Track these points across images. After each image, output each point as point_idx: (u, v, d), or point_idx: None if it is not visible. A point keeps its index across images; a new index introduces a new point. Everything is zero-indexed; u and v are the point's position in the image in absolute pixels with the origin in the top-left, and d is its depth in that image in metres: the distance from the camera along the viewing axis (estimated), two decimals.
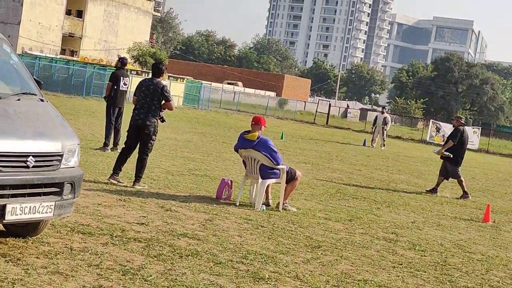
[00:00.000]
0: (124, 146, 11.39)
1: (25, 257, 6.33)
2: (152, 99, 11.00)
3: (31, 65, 40.77)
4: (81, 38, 63.12)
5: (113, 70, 16.40)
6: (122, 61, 16.01)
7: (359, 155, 26.13)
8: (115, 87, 15.59)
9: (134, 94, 11.33)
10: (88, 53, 60.36)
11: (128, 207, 9.32)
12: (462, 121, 16.65)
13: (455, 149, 16.17)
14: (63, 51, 61.65)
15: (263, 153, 10.44)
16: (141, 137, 11.06)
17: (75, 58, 54.63)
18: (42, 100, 7.04)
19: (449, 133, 17.14)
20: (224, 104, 57.85)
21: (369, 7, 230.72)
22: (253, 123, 10.67)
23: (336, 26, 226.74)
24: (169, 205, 9.80)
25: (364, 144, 32.92)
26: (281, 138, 28.54)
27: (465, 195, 16.03)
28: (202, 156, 17.28)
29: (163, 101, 11.13)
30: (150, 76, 11.69)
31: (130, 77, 40.72)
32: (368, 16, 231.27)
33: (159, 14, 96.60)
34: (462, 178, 16.28)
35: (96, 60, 51.72)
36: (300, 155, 21.93)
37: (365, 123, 56.66)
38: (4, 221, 6.13)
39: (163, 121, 11.31)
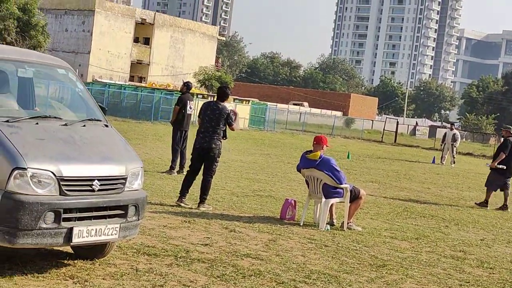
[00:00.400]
0: (189, 169, 11.57)
1: (92, 278, 6.50)
2: (218, 123, 11.17)
3: (101, 92, 41.86)
4: (148, 64, 64.47)
5: (180, 95, 16.68)
6: (187, 85, 16.30)
7: (428, 173, 25.74)
8: (182, 111, 15.85)
9: (199, 116, 11.49)
10: (155, 79, 61.57)
11: (193, 228, 9.44)
12: (511, 132, 16.35)
13: (506, 160, 15.95)
14: (131, 78, 63.09)
15: (326, 172, 10.43)
16: (205, 160, 11.22)
17: (143, 84, 55.81)
18: (106, 126, 7.26)
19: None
20: (290, 125, 57.91)
21: (436, 23, 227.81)
22: (314, 142, 10.69)
23: (402, 43, 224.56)
24: (233, 226, 9.89)
25: (433, 162, 32.40)
26: (348, 157, 28.37)
27: (504, 207, 15.84)
28: (267, 177, 17.35)
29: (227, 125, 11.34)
30: (215, 99, 11.81)
31: (196, 101, 41.40)
32: (435, 32, 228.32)
33: (224, 38, 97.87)
34: (509, 190, 16.04)
35: (163, 86, 52.69)
36: (367, 174, 21.75)
37: (434, 140, 55.76)
38: (71, 244, 6.33)
39: (224, 138, 11.47)
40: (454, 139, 31.85)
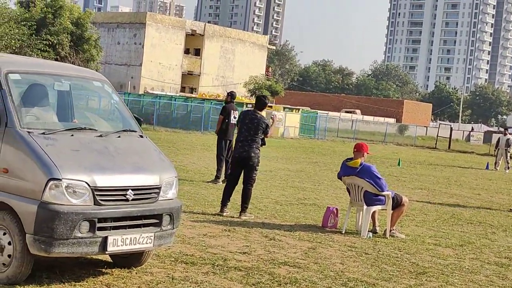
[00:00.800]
0: (228, 178, 11.63)
1: (128, 286, 6.61)
2: (256, 132, 11.27)
3: (152, 104, 42.40)
4: (199, 75, 65.08)
5: (224, 104, 16.78)
6: (231, 95, 16.41)
7: (480, 179, 25.30)
8: (226, 120, 15.93)
9: (237, 125, 11.55)
10: (206, 89, 62.09)
11: (233, 237, 9.49)
12: None
13: None
14: (183, 89, 63.79)
15: (367, 180, 10.36)
16: (245, 169, 11.30)
17: (193, 95, 56.33)
18: (141, 136, 7.37)
19: None
20: (342, 132, 57.60)
21: (491, 26, 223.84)
22: (355, 150, 10.64)
23: (457, 48, 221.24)
24: (273, 234, 9.90)
25: (487, 168, 31.83)
26: (398, 164, 28.09)
27: None
28: (313, 185, 17.31)
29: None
30: (253, 108, 11.89)
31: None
32: (490, 36, 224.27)
33: (274, 47, 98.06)
34: None
35: (213, 96, 53.08)
36: (416, 181, 21.50)
37: (489, 146, 54.71)
38: (106, 252, 6.44)
39: (263, 145, 11.58)
40: (508, 144, 31.30)
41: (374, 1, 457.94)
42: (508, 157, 31.57)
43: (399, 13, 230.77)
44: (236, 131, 12.50)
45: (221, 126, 16.02)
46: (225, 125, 15.97)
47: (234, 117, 15.97)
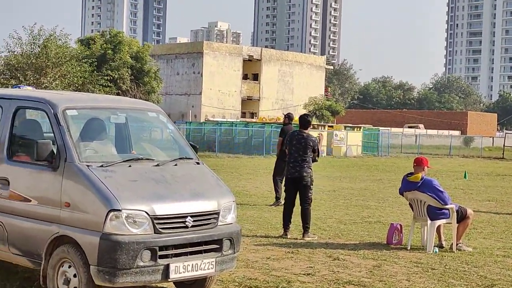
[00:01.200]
0: (284, 200, 11.70)
1: None
2: (305, 152, 11.33)
3: (214, 131, 42.80)
4: (259, 100, 65.46)
5: (282, 126, 16.79)
6: (288, 117, 16.40)
7: None
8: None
9: (285, 147, 11.71)
10: (266, 113, 62.36)
11: (296, 258, 9.46)
12: None
13: None
14: (243, 114, 64.24)
15: (429, 194, 10.21)
16: (299, 189, 11.35)
17: (254, 120, 56.65)
18: (198, 163, 7.47)
19: None
20: (406, 148, 56.85)
21: None
22: (415, 164, 10.51)
23: None
24: (337, 253, 9.83)
25: None
26: (464, 177, 27.55)
27: None
28: (377, 203, 17.13)
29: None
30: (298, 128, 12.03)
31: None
32: None
33: (332, 67, 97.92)
34: None
35: (273, 119, 53.26)
36: (484, 193, 21.04)
37: None
38: (169, 280, 6.53)
39: (315, 161, 11.64)
40: None
41: (431, 14, 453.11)
42: None
43: (457, 24, 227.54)
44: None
45: (281, 147, 16.01)
46: (284, 146, 15.95)
47: None
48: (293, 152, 11.41)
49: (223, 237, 6.89)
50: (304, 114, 12.14)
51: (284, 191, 11.65)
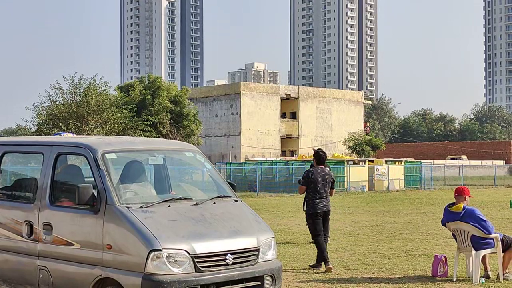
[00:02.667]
0: (320, 233, 11.80)
1: None
2: (329, 186, 12.13)
3: (254, 171, 42.88)
4: (298, 137, 65.58)
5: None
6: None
7: None
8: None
9: (308, 184, 11.90)
10: (306, 151, 62.33)
11: None
12: None
13: None
14: (283, 153, 64.35)
15: (472, 223, 10.07)
16: (325, 222, 12.19)
17: (294, 158, 56.66)
18: (236, 201, 7.52)
19: None
20: (449, 180, 56.16)
21: None
22: (456, 194, 10.40)
23: None
24: None
25: None
26: (510, 207, 27.06)
27: None
28: (422, 236, 16.92)
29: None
30: (315, 164, 12.41)
31: (348, 167, 41.21)
32: None
33: (369, 102, 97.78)
34: None
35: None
36: None
37: None
38: None
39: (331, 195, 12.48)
40: None
41: (468, 44, 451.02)
42: None
43: (495, 54, 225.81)
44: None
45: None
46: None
47: None
48: (320, 189, 11.89)
49: (264, 273, 6.90)
50: (318, 150, 12.55)
51: (316, 224, 11.85)
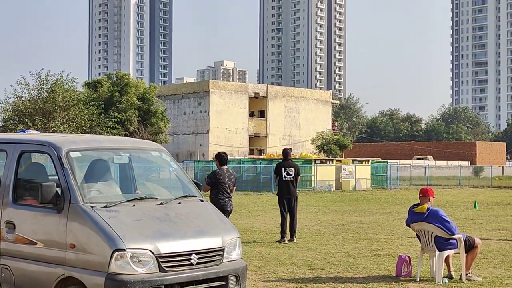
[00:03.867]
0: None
1: None
2: (232, 186, 13.42)
3: None
4: (266, 136, 65.66)
5: (278, 163, 16.73)
6: (283, 153, 16.38)
7: None
8: (278, 178, 15.86)
9: (210, 184, 12.96)
10: (274, 150, 62.46)
11: None
12: None
13: None
14: (251, 151, 64.39)
15: (436, 224, 10.18)
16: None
17: (261, 156, 56.74)
18: (201, 201, 7.51)
19: None
20: (415, 180, 56.70)
21: None
22: (420, 195, 10.50)
23: None
24: (346, 287, 9.78)
25: None
26: (474, 207, 27.42)
27: None
28: (387, 236, 17.06)
29: None
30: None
31: (315, 166, 41.33)
32: None
33: (338, 102, 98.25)
34: None
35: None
36: (494, 222, 20.93)
37: None
38: None
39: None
40: None
41: (435, 45, 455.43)
42: None
43: (462, 55, 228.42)
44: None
45: (278, 184, 16.05)
46: (278, 182, 15.96)
47: (288, 174, 15.86)
48: (227, 188, 13.05)
49: (228, 273, 6.90)
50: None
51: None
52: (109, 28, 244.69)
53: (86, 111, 39.57)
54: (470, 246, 10.40)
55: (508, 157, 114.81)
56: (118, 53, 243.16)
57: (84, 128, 38.65)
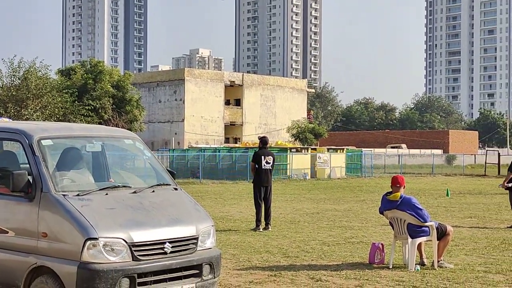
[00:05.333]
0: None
1: None
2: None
3: (197, 158, 42.78)
4: (242, 125, 65.61)
5: (255, 150, 16.72)
6: (262, 141, 16.34)
7: None
8: (257, 166, 15.84)
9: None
10: (250, 138, 62.47)
11: (279, 281, 9.46)
12: None
13: None
14: (227, 140, 64.33)
15: (408, 212, 10.27)
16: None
17: (237, 145, 56.73)
18: (176, 189, 7.48)
19: None
20: (389, 168, 57.08)
21: None
22: (393, 183, 10.56)
23: (498, 73, 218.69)
24: (320, 275, 9.84)
25: None
26: (447, 195, 27.68)
27: None
28: (361, 224, 17.17)
29: None
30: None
31: (291, 155, 41.41)
32: None
33: (313, 90, 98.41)
34: None
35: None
36: (466, 210, 21.16)
37: None
38: None
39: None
40: None
41: (410, 35, 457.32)
42: None
43: (436, 44, 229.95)
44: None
45: (255, 172, 15.97)
46: (257, 171, 15.90)
47: (267, 162, 15.87)
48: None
49: (202, 262, 6.89)
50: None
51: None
52: (83, 15, 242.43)
53: (59, 99, 39.22)
54: (442, 234, 10.50)
55: (480, 146, 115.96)
56: (92, 40, 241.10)
57: (58, 116, 38.32)
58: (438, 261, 10.40)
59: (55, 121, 36.28)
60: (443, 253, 10.61)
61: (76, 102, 41.93)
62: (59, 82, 43.09)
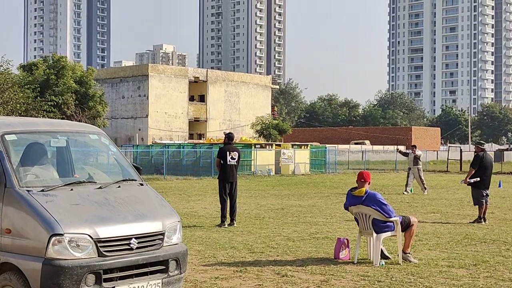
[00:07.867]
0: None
1: None
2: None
3: (161, 154, 42.57)
4: (206, 121, 65.47)
5: (221, 146, 16.74)
6: (228, 136, 16.35)
7: (493, 197, 25.05)
8: (222, 162, 15.84)
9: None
10: (214, 134, 62.37)
11: (245, 277, 9.47)
12: (481, 147, 17.15)
13: (477, 174, 16.63)
14: (191, 136, 64.12)
15: (373, 207, 10.35)
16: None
17: (201, 141, 56.60)
18: (141, 185, 7.43)
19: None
20: (353, 164, 57.53)
21: (492, 46, 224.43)
22: (358, 179, 10.64)
23: (460, 70, 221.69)
24: (286, 270, 9.87)
25: (499, 186, 31.58)
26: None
27: (478, 219, 16.41)
28: (325, 219, 17.26)
29: None
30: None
31: (255, 151, 41.43)
32: (492, 55, 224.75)
33: (277, 87, 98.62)
34: (484, 203, 16.52)
35: (221, 140, 53.25)
36: (429, 205, 21.41)
37: (501, 164, 54.51)
38: None
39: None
40: (416, 162, 28.72)
41: (373, 32, 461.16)
42: (422, 176, 27.99)
43: (399, 41, 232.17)
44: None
45: (220, 168, 15.97)
46: (222, 167, 15.90)
47: (232, 158, 15.87)
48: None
49: (168, 257, 6.86)
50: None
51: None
52: (45, 9, 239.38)
53: (21, 94, 38.71)
54: (406, 225, 10.62)
55: (442, 142, 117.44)
56: (54, 36, 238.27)
57: (20, 112, 37.82)
58: (406, 253, 10.52)
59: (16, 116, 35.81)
60: (410, 244, 10.73)
61: (38, 97, 41.42)
62: (21, 78, 42.54)
